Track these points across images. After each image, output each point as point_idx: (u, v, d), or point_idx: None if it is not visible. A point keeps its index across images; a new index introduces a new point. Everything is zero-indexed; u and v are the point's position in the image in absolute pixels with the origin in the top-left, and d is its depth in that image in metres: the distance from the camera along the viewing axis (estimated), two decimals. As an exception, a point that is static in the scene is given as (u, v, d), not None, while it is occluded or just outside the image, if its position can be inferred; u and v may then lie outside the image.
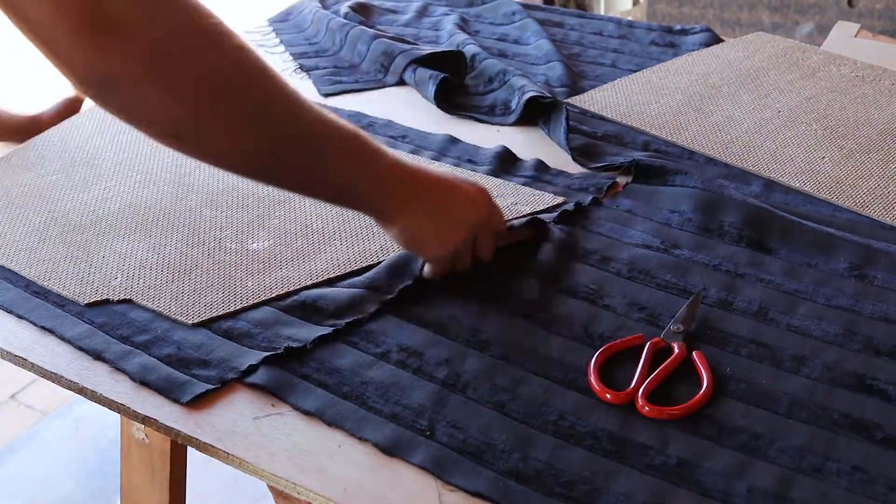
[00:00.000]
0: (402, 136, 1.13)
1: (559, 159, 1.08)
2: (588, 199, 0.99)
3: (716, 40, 1.37)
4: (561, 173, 1.04)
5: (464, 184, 0.85)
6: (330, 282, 0.87)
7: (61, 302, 0.85)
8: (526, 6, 1.50)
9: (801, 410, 0.73)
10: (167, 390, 0.75)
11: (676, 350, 0.78)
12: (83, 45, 0.61)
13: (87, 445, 1.82)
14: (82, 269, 0.89)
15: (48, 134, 1.14)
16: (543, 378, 0.76)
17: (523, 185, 1.02)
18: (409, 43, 1.32)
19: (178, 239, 0.94)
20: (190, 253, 0.92)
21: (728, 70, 1.28)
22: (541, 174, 1.04)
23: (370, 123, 1.15)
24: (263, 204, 0.99)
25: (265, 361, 0.77)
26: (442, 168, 0.95)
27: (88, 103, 1.21)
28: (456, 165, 1.06)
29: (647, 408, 0.72)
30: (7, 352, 0.81)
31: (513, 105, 1.17)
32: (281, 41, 1.40)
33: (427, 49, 1.29)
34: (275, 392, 0.75)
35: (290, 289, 0.86)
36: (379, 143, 0.79)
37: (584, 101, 1.21)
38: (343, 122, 0.76)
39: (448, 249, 0.84)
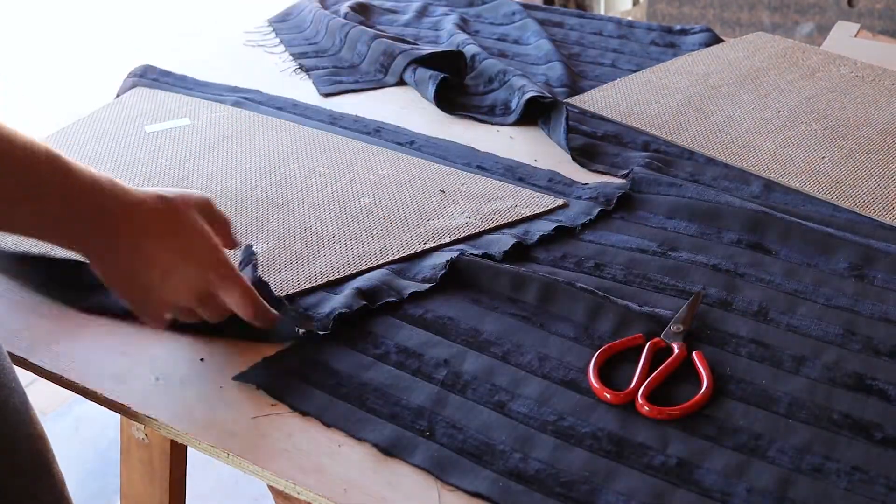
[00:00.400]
0: (410, 141, 1.12)
1: (560, 160, 1.08)
2: (596, 210, 0.97)
3: (716, 40, 1.37)
4: (573, 183, 1.03)
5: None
6: (328, 285, 0.87)
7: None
8: (526, 6, 1.50)
9: (801, 410, 0.73)
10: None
11: (676, 350, 0.78)
12: None
13: (87, 445, 1.82)
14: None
15: (46, 138, 1.14)
16: (543, 378, 0.76)
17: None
18: (409, 43, 1.32)
19: (177, 239, 0.93)
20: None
21: (728, 70, 1.28)
22: (553, 184, 1.03)
23: (377, 129, 1.15)
24: (262, 207, 0.99)
25: (263, 362, 0.77)
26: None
27: (87, 109, 1.21)
28: (466, 173, 1.05)
29: (646, 408, 0.72)
30: (7, 352, 0.80)
31: (513, 105, 1.17)
32: (281, 41, 1.41)
33: (427, 49, 1.29)
34: (274, 393, 0.75)
35: (289, 292, 0.86)
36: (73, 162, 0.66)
37: (584, 101, 1.21)
38: (29, 140, 0.63)
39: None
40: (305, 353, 0.79)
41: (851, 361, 0.77)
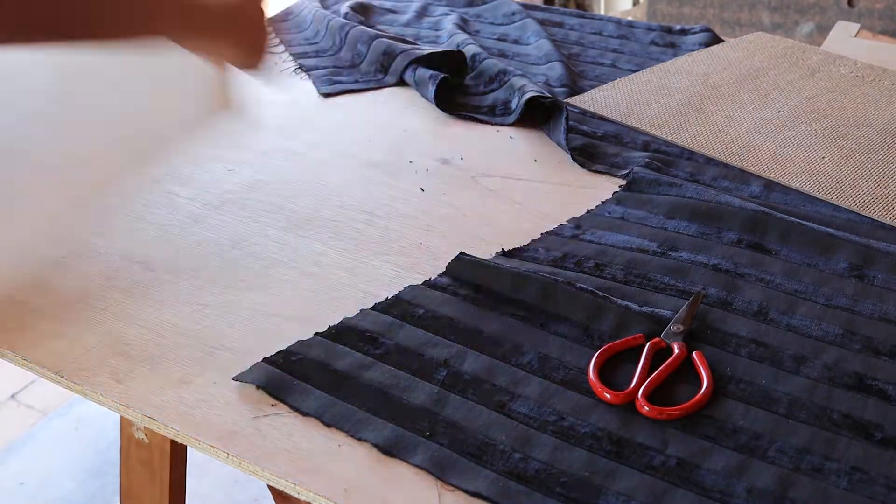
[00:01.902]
0: None
1: (560, 160, 1.08)
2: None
3: (716, 40, 1.37)
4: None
5: None
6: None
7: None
8: (526, 6, 1.50)
9: (801, 410, 0.73)
10: None
11: (676, 350, 0.78)
12: None
13: (87, 445, 1.82)
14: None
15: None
16: (543, 378, 0.76)
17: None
18: (409, 43, 1.32)
19: (177, 239, 0.94)
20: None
21: (728, 70, 1.28)
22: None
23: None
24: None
25: (263, 362, 0.77)
26: None
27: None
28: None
29: (646, 408, 0.72)
30: (7, 351, 0.81)
31: (513, 105, 1.18)
32: (281, 41, 1.41)
33: (427, 49, 1.29)
34: (274, 393, 0.75)
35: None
36: None
37: (584, 101, 1.21)
38: None
39: None
40: (305, 353, 0.79)
41: (851, 361, 0.77)
